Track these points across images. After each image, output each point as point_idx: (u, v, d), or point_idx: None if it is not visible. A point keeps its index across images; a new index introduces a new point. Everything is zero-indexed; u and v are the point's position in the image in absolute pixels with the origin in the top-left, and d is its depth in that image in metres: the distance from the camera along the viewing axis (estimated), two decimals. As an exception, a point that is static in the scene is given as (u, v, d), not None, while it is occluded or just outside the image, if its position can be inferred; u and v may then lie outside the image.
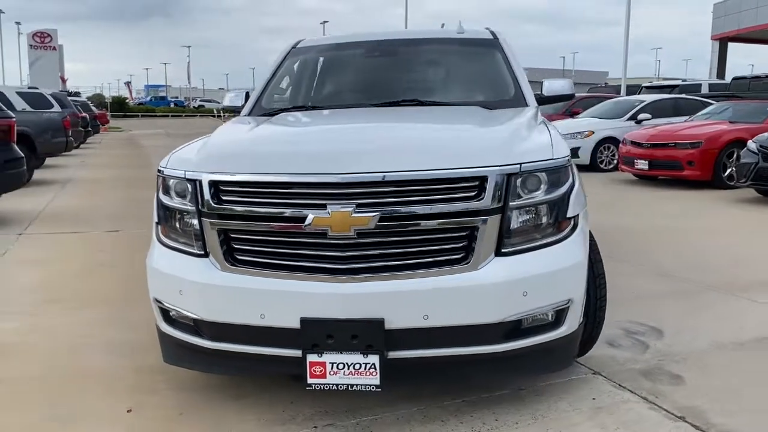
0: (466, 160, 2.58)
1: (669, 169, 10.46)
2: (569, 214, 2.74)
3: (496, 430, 2.72)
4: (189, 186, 2.73)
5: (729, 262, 5.49)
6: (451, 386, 3.03)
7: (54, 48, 49.76)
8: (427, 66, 4.29)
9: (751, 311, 4.20)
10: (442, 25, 4.42)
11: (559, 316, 2.73)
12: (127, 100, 71.84)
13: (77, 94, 54.18)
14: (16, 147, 7.64)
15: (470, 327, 2.55)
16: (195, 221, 2.72)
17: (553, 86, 3.98)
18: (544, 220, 2.69)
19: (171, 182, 2.83)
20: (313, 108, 3.91)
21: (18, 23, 55.47)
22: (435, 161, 2.56)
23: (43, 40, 48.93)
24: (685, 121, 11.86)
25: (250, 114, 3.95)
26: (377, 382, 2.54)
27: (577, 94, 19.41)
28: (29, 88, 16.26)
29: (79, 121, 18.87)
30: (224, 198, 2.66)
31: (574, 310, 2.76)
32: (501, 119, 3.25)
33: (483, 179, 2.54)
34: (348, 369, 2.54)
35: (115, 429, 2.80)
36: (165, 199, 2.88)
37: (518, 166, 2.60)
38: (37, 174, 11.91)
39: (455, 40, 4.34)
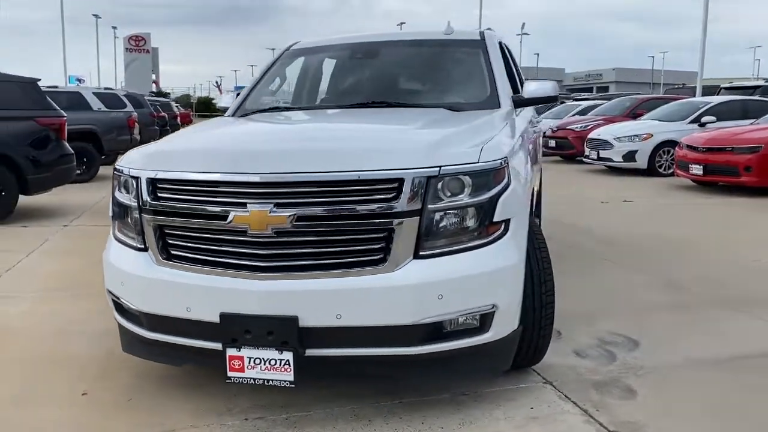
0: (383, 162, 2.58)
1: (725, 175, 9.92)
2: (497, 218, 2.69)
3: (415, 430, 2.71)
4: (133, 182, 2.86)
5: (755, 276, 5.17)
6: (393, 387, 3.04)
7: (148, 51, 52.47)
8: (405, 68, 4.28)
9: (752, 328, 3.95)
10: (449, 24, 4.38)
11: (484, 321, 2.68)
12: (213, 101, 74.74)
13: (167, 94, 56.67)
14: (66, 144, 8.13)
15: (384, 328, 2.56)
16: (137, 216, 2.85)
17: (533, 88, 3.88)
18: (468, 223, 2.65)
19: (121, 179, 2.98)
20: (286, 109, 4.00)
21: (114, 27, 58.66)
22: (352, 162, 2.58)
23: (137, 44, 51.66)
24: (750, 124, 11.20)
25: (233, 114, 4.07)
26: (291, 378, 2.59)
27: (640, 95, 18.65)
28: (105, 89, 17.23)
29: (154, 120, 19.86)
30: (159, 195, 2.77)
31: (502, 316, 2.70)
32: (450, 122, 3.23)
33: (400, 181, 2.54)
34: (264, 364, 2.60)
35: (63, 411, 2.96)
36: (117, 195, 3.03)
37: (437, 169, 2.58)
38: (103, 170, 12.59)
39: (439, 41, 4.32)
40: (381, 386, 3.04)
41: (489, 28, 4.93)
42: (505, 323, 2.75)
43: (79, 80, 48.26)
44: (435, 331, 2.63)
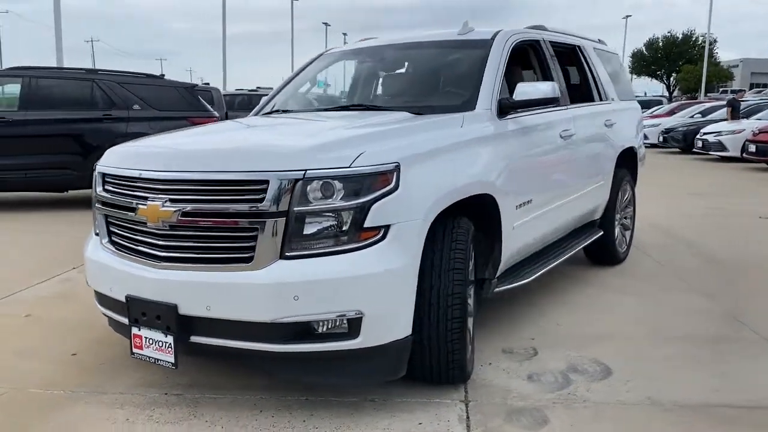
0: (253, 164, 2.69)
1: None
2: (369, 224, 2.65)
3: (293, 429, 2.78)
4: (97, 176, 3.31)
5: None
6: (310, 385, 3.12)
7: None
8: (402, 70, 4.23)
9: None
10: (465, 24, 4.24)
11: (353, 326, 2.67)
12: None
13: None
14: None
15: (248, 323, 2.67)
16: (95, 206, 3.29)
17: (526, 90, 3.63)
18: (337, 227, 2.65)
19: (95, 173, 3.44)
20: (284, 111, 4.20)
21: (345, 34, 63.10)
22: (227, 164, 2.73)
23: (367, 47, 54.89)
24: None
25: (257, 113, 4.39)
26: (172, 360, 2.82)
27: None
28: (236, 90, 18.70)
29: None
30: (105, 188, 3.18)
31: (373, 323, 2.66)
32: (371, 126, 3.19)
33: (266, 183, 2.64)
34: (155, 345, 2.87)
35: (46, 365, 3.50)
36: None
37: (303, 172, 2.62)
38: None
39: (448, 42, 4.20)
40: (295, 383, 3.13)
41: (540, 26, 4.68)
42: (380, 331, 2.70)
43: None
44: (302, 331, 2.68)
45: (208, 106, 9.30)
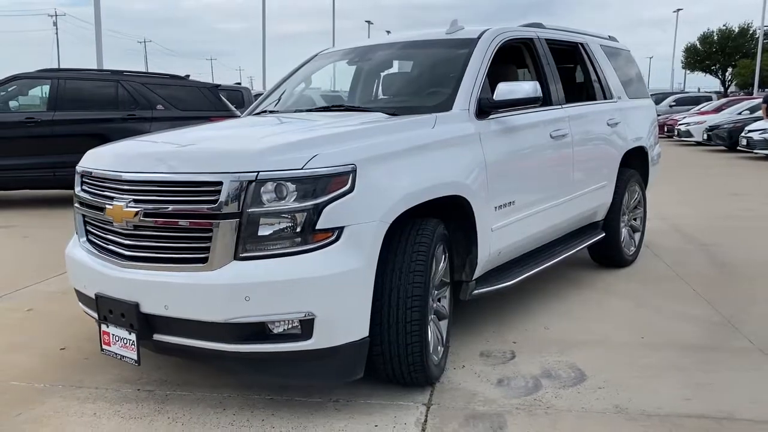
0: (207, 165, 2.73)
1: None
2: (322, 225, 2.66)
3: (250, 428, 2.81)
4: (77, 176, 3.40)
5: None
6: (277, 384, 3.15)
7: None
8: (389, 71, 4.20)
9: (744, 387, 3.17)
10: (453, 22, 4.20)
11: (305, 328, 2.68)
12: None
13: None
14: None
15: (202, 323, 2.71)
16: (76, 206, 3.39)
17: (505, 90, 3.56)
18: (290, 229, 2.66)
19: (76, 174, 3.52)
20: (271, 112, 4.22)
21: (388, 32, 63.02)
22: (184, 165, 2.78)
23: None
24: None
25: (249, 114, 4.44)
26: (135, 357, 2.88)
27: None
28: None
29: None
30: (82, 187, 3.27)
31: (326, 325, 2.67)
32: (331, 128, 3.20)
33: (219, 184, 2.67)
34: (121, 342, 2.93)
35: (34, 359, 3.62)
36: None
37: (255, 174, 2.64)
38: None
39: (435, 42, 4.15)
40: (265, 382, 3.16)
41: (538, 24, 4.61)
42: (334, 332, 2.71)
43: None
44: (257, 331, 2.71)
45: (231, 106, 9.45)
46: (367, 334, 2.81)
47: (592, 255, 5.34)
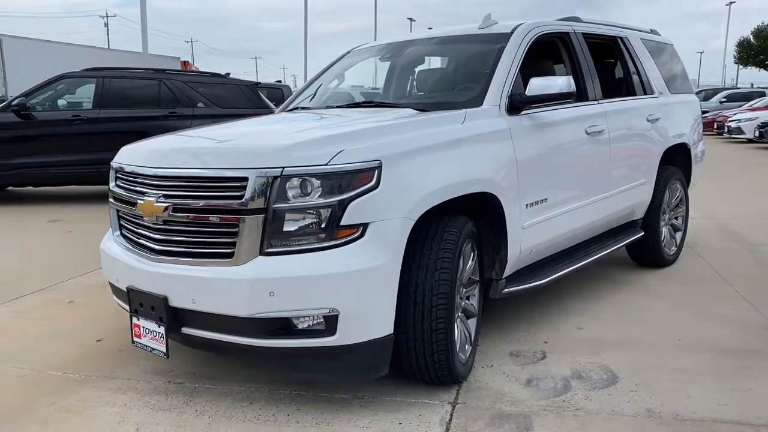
0: (234, 161, 2.75)
1: None
2: (346, 221, 2.65)
3: (275, 423, 2.83)
4: (111, 172, 3.46)
5: None
6: (303, 379, 3.16)
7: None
8: (421, 67, 4.16)
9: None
10: (486, 17, 4.14)
11: (329, 324, 2.68)
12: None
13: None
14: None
15: (229, 317, 2.73)
16: (111, 201, 3.46)
17: (538, 85, 3.49)
18: (315, 225, 2.66)
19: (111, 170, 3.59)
20: (303, 108, 4.23)
21: (430, 28, 62.83)
22: (212, 161, 2.81)
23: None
24: None
25: (282, 110, 4.47)
26: (164, 349, 2.93)
27: None
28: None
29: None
30: (116, 182, 3.33)
31: (349, 321, 2.67)
32: (360, 123, 3.17)
33: (245, 180, 2.69)
34: (151, 334, 2.99)
35: (72, 349, 3.71)
36: None
37: (280, 170, 2.65)
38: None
39: (468, 37, 4.10)
40: (292, 377, 3.18)
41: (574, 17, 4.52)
42: (358, 329, 2.70)
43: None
44: (282, 327, 2.72)
45: (271, 104, 9.53)
46: (391, 331, 2.79)
47: (631, 254, 5.21)
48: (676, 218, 5.43)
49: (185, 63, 35.69)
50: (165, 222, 2.91)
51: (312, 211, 2.66)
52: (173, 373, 3.36)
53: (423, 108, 3.51)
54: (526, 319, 4.06)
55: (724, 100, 30.87)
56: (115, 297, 3.44)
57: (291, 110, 4.34)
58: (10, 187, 9.43)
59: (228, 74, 9.87)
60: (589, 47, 4.52)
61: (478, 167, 3.19)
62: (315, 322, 2.70)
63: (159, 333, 2.94)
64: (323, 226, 2.66)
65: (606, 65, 5.01)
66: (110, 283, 3.38)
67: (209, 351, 3.10)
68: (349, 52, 4.76)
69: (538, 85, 3.51)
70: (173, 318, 2.88)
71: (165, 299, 2.86)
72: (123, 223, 3.29)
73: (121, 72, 9.13)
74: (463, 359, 3.14)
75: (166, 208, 2.88)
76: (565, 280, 4.73)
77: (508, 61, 3.67)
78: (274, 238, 2.69)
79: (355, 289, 2.67)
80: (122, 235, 3.29)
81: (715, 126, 23.69)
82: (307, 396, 3.06)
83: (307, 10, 30.96)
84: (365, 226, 2.68)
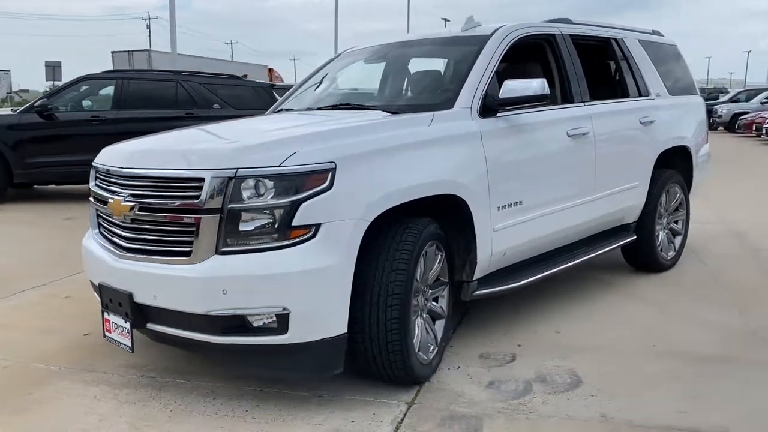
0: (192, 162, 2.82)
1: None
2: (298, 222, 2.70)
3: (232, 418, 2.89)
4: (91, 172, 3.57)
5: None
6: (269, 377, 3.22)
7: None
8: (402, 69, 4.19)
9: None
10: (468, 19, 4.15)
11: (281, 322, 2.73)
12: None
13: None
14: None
15: (186, 314, 2.81)
16: (90, 199, 3.57)
17: (512, 87, 3.49)
18: (268, 225, 2.72)
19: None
20: (287, 110, 4.30)
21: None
22: (172, 161, 2.89)
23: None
24: None
25: (273, 111, 4.55)
26: (129, 344, 3.03)
27: None
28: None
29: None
30: (94, 182, 3.45)
31: (301, 320, 2.72)
32: (321, 126, 3.23)
33: (201, 180, 2.76)
34: (119, 329, 3.09)
35: (59, 342, 3.84)
36: None
37: (234, 171, 2.72)
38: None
39: (449, 39, 4.12)
40: (263, 375, 3.23)
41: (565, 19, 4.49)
42: (310, 328, 2.75)
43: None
44: (239, 324, 2.78)
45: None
46: (345, 330, 2.83)
47: (627, 258, 5.15)
48: (676, 222, 5.34)
49: (271, 71, 36.96)
50: (132, 221, 3.01)
51: (265, 212, 2.72)
52: (148, 368, 3.45)
53: (396, 110, 3.54)
54: (506, 320, 4.06)
55: (766, 100, 30.00)
56: (94, 293, 3.55)
57: (277, 111, 4.41)
58: (35, 186, 9.75)
59: (245, 76, 10.02)
60: (580, 49, 4.48)
61: (442, 169, 3.21)
62: (269, 320, 2.76)
63: (125, 328, 3.03)
64: (276, 226, 2.72)
65: (598, 67, 4.96)
66: (90, 280, 3.50)
67: (175, 346, 3.18)
68: (340, 54, 4.81)
69: (511, 88, 3.51)
70: (138, 314, 2.97)
71: (130, 295, 2.96)
72: (100, 221, 3.40)
73: (139, 74, 9.37)
74: (425, 360, 3.16)
75: (132, 207, 2.97)
76: (554, 282, 4.73)
77: (483, 63, 3.67)
78: (229, 238, 2.75)
79: (305, 288, 2.72)
80: (100, 233, 3.40)
81: (754, 127, 23.05)
82: (270, 393, 3.12)
83: (338, 11, 31.14)
84: (317, 226, 2.73)
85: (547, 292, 4.55)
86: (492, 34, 3.88)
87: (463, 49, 3.92)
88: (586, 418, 2.83)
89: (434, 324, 3.35)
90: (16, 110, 9.31)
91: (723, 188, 9.97)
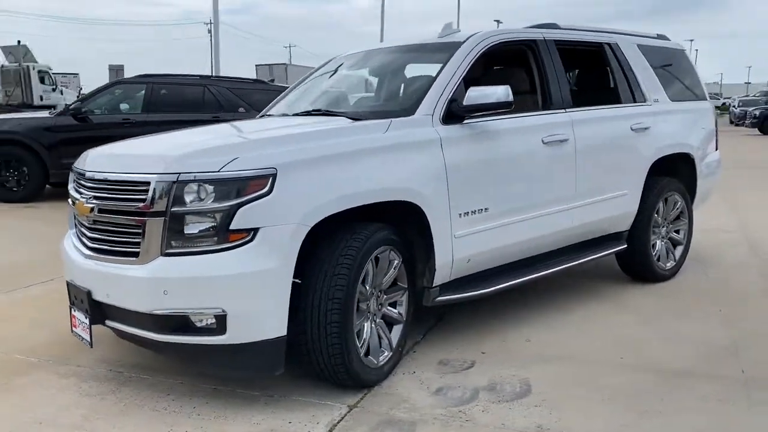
0: (140, 167, 2.95)
1: None
2: (236, 226, 2.78)
3: (178, 414, 3.00)
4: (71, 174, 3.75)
5: None
6: (227, 376, 3.31)
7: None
8: (378, 75, 4.23)
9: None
10: (446, 26, 4.17)
11: (220, 323, 2.82)
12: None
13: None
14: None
15: (134, 312, 2.94)
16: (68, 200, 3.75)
17: (475, 95, 3.48)
18: (208, 228, 2.81)
19: None
20: (268, 116, 4.40)
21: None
22: (123, 166, 3.04)
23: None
24: None
25: (261, 116, 4.67)
26: (88, 339, 3.18)
27: None
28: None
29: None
30: (71, 184, 3.62)
31: (238, 321, 2.80)
32: (267, 132, 3.32)
33: (148, 184, 2.88)
34: (82, 325, 3.24)
35: (46, 336, 4.04)
36: None
37: (176, 175, 2.83)
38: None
39: (425, 46, 4.12)
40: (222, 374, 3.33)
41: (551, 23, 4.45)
42: (248, 329, 2.83)
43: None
44: (182, 324, 2.89)
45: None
46: (284, 332, 2.90)
47: (621, 267, 5.04)
48: (677, 232, 5.19)
49: None
50: (93, 222, 3.16)
51: (206, 215, 2.82)
52: (118, 363, 3.60)
53: (359, 117, 3.58)
54: (480, 326, 4.05)
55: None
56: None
57: (260, 116, 4.53)
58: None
59: (272, 80, 10.24)
60: (568, 55, 4.43)
61: (395, 176, 3.24)
62: (209, 321, 2.85)
63: (85, 324, 3.18)
64: (216, 229, 2.81)
65: (588, 73, 4.89)
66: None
67: (133, 343, 3.30)
68: (330, 60, 4.89)
69: (475, 95, 3.51)
70: (97, 311, 3.11)
71: (89, 293, 3.10)
72: (75, 222, 3.57)
73: (169, 78, 9.67)
74: (375, 364, 3.20)
75: (92, 209, 3.12)
76: (539, 290, 4.69)
77: (450, 71, 3.68)
78: (173, 240, 2.86)
79: (242, 291, 2.80)
80: (75, 233, 3.57)
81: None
82: (224, 391, 3.21)
83: (384, 14, 31.32)
84: (256, 230, 2.81)
85: (530, 300, 4.51)
86: (464, 42, 3.88)
87: (435, 56, 3.94)
88: (521, 427, 2.81)
89: (391, 329, 3.38)
90: (53, 113, 9.75)
91: (753, 194, 9.63)
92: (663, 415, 2.91)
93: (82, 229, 3.31)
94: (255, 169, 2.83)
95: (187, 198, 2.83)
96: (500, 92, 3.49)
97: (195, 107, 9.30)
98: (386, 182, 3.20)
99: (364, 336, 3.17)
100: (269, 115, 4.41)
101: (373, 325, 3.25)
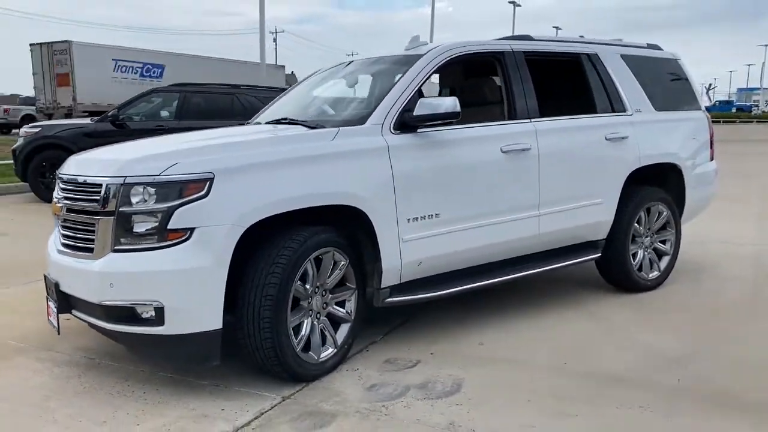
0: (96, 170, 3.25)
1: None
2: (174, 225, 3.03)
3: (127, 397, 3.26)
4: None
5: None
6: (186, 366, 3.56)
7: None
8: (348, 86, 4.42)
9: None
10: (413, 38, 4.36)
11: (159, 315, 3.07)
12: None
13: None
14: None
15: (88, 303, 3.23)
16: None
17: (426, 105, 3.63)
18: (150, 227, 3.07)
19: None
20: (245, 123, 4.64)
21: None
22: (83, 169, 3.35)
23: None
24: None
25: (248, 123, 4.94)
26: (56, 326, 3.50)
27: None
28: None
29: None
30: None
31: (175, 314, 3.04)
32: (218, 139, 3.58)
33: (99, 186, 3.17)
34: (53, 314, 3.56)
35: (39, 324, 4.39)
36: None
37: (123, 178, 3.10)
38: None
39: (392, 59, 4.28)
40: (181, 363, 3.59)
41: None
42: (183, 322, 3.07)
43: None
44: (129, 315, 3.15)
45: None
46: (220, 325, 3.12)
47: (603, 276, 5.05)
48: (663, 242, 5.16)
49: None
50: (65, 220, 3.48)
51: (149, 215, 3.08)
52: (94, 351, 3.91)
53: (317, 126, 3.78)
54: (441, 328, 4.18)
55: None
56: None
57: (243, 124, 4.80)
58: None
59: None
60: (541, 66, 4.52)
61: (339, 182, 3.43)
62: (151, 313, 3.11)
63: (55, 312, 3.50)
64: (157, 228, 3.07)
65: (563, 83, 4.93)
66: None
67: (98, 332, 3.59)
68: (314, 73, 5.11)
69: (425, 106, 3.66)
70: (63, 301, 3.42)
71: (56, 284, 3.42)
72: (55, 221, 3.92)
73: (201, 87, 10.14)
74: (315, 360, 3.38)
75: (61, 208, 3.44)
76: (514, 293, 4.80)
77: (405, 82, 3.84)
78: (121, 237, 3.13)
79: (177, 286, 3.04)
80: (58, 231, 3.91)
81: None
82: (178, 380, 3.46)
83: (434, 21, 31.46)
84: (192, 230, 3.05)
85: (503, 303, 4.62)
86: (424, 54, 4.04)
87: (398, 68, 4.10)
88: (434, 424, 2.94)
89: (338, 327, 3.56)
90: (93, 119, 10.36)
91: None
92: (575, 418, 2.98)
93: (60, 227, 3.64)
94: (193, 174, 3.07)
95: (134, 199, 3.10)
96: (448, 103, 3.64)
97: (224, 114, 9.71)
98: (327, 187, 3.39)
99: (303, 332, 3.36)
100: (257, 123, 4.66)
101: (315, 323, 3.44)
